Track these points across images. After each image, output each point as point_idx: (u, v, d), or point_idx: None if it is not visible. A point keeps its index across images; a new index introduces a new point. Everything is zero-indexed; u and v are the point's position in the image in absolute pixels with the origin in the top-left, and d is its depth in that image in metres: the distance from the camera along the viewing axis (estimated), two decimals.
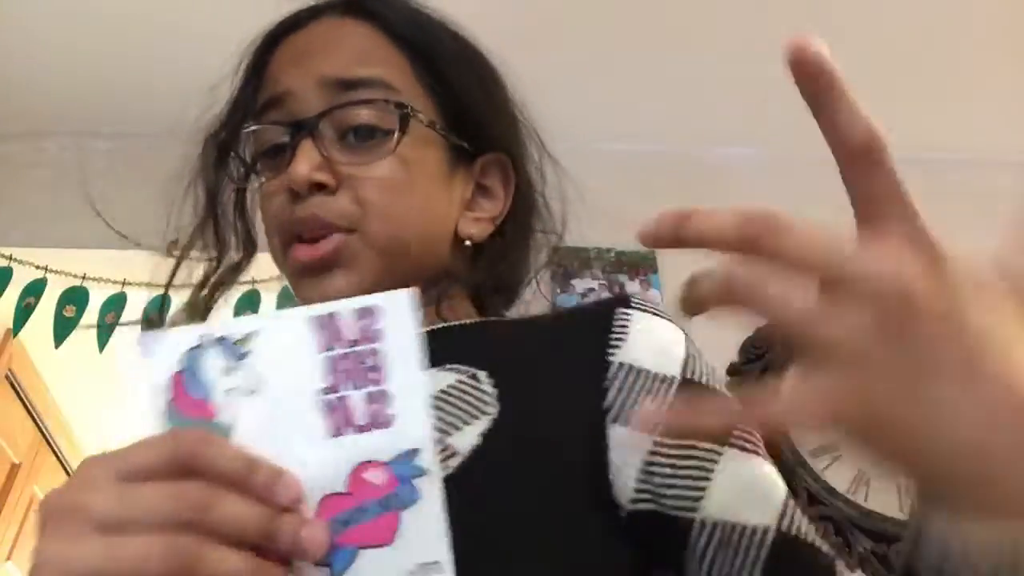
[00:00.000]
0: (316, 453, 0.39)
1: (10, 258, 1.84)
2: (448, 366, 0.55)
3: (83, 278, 1.87)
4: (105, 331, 1.82)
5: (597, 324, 0.56)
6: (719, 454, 0.51)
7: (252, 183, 0.67)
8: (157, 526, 0.35)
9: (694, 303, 0.34)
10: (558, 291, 1.85)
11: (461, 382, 0.54)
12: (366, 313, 0.40)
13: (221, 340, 0.40)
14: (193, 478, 0.36)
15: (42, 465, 2.55)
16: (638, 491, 0.50)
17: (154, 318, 0.73)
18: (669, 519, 0.50)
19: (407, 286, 0.41)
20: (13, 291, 1.83)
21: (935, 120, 1.93)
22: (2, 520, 2.30)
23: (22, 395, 2.39)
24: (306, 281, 0.61)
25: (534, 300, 0.75)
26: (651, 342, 0.55)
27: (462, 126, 0.66)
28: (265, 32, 0.68)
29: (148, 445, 0.38)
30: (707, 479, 0.50)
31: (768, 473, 0.52)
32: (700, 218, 0.33)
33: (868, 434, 0.33)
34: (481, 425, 0.51)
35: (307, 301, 0.51)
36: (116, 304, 1.84)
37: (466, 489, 0.43)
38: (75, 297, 1.84)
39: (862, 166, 0.34)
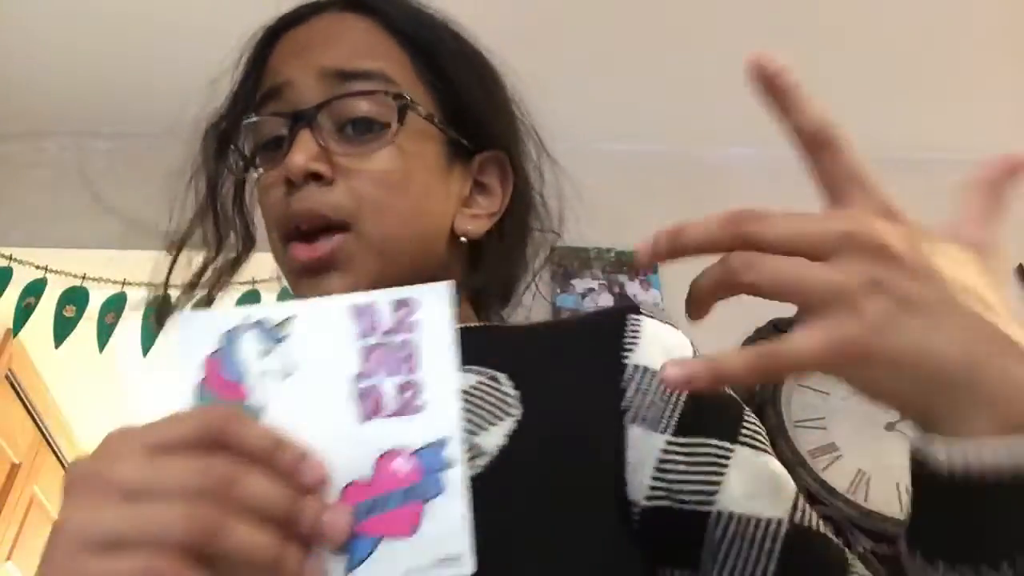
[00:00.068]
0: (344, 439, 0.39)
1: (10, 258, 1.84)
2: (466, 367, 0.55)
3: (83, 278, 1.86)
4: (105, 331, 1.82)
5: (610, 329, 0.57)
6: (731, 451, 0.52)
7: (251, 175, 0.68)
8: (182, 495, 0.35)
9: (699, 301, 0.38)
10: (558, 291, 1.84)
11: (482, 383, 0.54)
12: (404, 303, 0.41)
13: (259, 323, 0.41)
14: (220, 454, 0.36)
15: (42, 465, 2.55)
16: (653, 488, 0.51)
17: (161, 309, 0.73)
18: (684, 514, 0.51)
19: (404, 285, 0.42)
20: (13, 291, 1.83)
21: (935, 120, 1.93)
22: (2, 520, 2.30)
23: (22, 395, 2.39)
24: (304, 281, 0.61)
25: (533, 302, 0.75)
26: (663, 345, 0.56)
27: (461, 122, 0.66)
28: (267, 26, 0.69)
29: (176, 419, 0.38)
30: (721, 474, 0.51)
31: (778, 469, 0.54)
32: (689, 229, 0.37)
33: (868, 368, 0.36)
34: (506, 426, 0.52)
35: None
36: (116, 304, 1.84)
37: (493, 489, 0.44)
38: (75, 297, 1.84)
39: (821, 152, 0.39)
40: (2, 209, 1.89)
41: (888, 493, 1.50)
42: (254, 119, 0.65)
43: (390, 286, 0.42)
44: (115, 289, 1.86)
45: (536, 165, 0.73)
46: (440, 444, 0.38)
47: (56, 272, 1.86)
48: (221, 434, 0.37)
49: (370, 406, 0.39)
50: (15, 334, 1.88)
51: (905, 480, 0.38)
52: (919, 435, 0.37)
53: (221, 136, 0.69)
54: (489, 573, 0.37)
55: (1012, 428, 0.35)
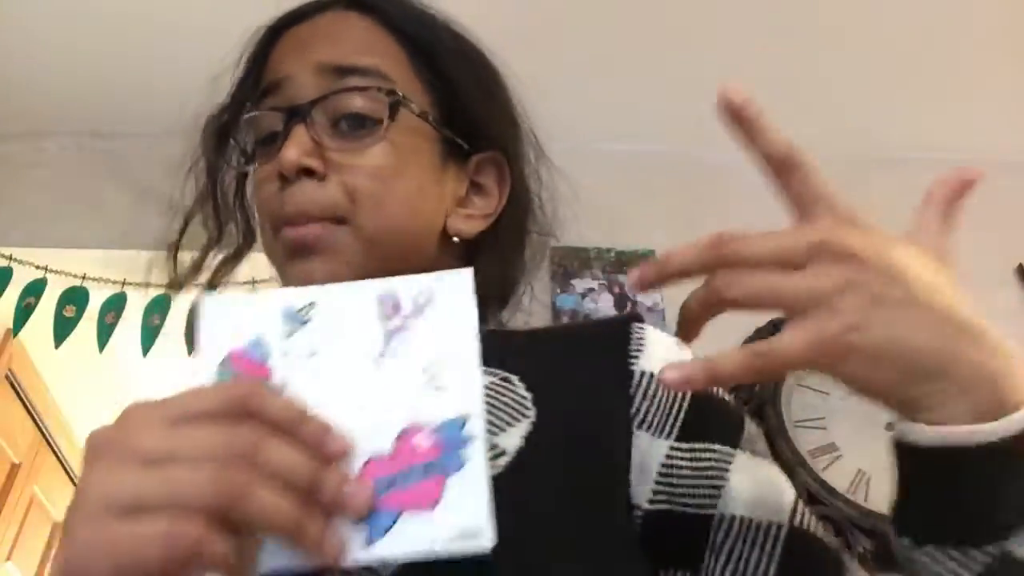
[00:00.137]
0: (365, 415, 0.39)
1: (10, 258, 1.84)
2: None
3: (83, 278, 1.86)
4: (105, 331, 1.82)
5: (615, 337, 0.58)
6: (732, 455, 0.53)
7: (249, 169, 0.68)
8: (208, 458, 0.35)
9: (690, 323, 0.42)
10: (558, 291, 1.84)
11: (496, 384, 0.55)
12: (427, 288, 0.42)
13: (284, 307, 0.42)
14: (244, 424, 0.36)
15: (42, 465, 2.55)
16: (656, 492, 0.52)
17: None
18: (687, 517, 0.52)
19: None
20: (13, 291, 1.83)
21: (935, 120, 1.93)
22: (2, 520, 2.30)
23: (22, 395, 2.39)
24: (289, 264, 0.61)
25: (531, 304, 0.75)
26: (665, 354, 0.57)
27: (458, 122, 0.66)
28: (269, 24, 0.69)
29: (198, 392, 0.38)
30: (723, 478, 0.52)
31: (778, 474, 0.55)
32: (675, 256, 0.41)
33: (851, 362, 0.39)
34: (523, 427, 0.53)
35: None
36: (116, 304, 1.84)
37: (511, 489, 0.44)
38: (75, 297, 1.84)
39: (790, 175, 0.43)
40: (2, 209, 1.89)
41: (888, 493, 1.50)
42: (253, 113, 0.66)
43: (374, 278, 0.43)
44: (115, 289, 1.86)
45: (534, 168, 0.73)
46: (461, 421, 0.39)
47: (56, 272, 1.86)
48: (244, 405, 0.37)
49: (391, 384, 0.40)
50: (15, 334, 1.88)
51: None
52: (900, 422, 0.41)
53: (221, 129, 0.69)
54: (509, 572, 0.37)
55: (984, 415, 0.38)
